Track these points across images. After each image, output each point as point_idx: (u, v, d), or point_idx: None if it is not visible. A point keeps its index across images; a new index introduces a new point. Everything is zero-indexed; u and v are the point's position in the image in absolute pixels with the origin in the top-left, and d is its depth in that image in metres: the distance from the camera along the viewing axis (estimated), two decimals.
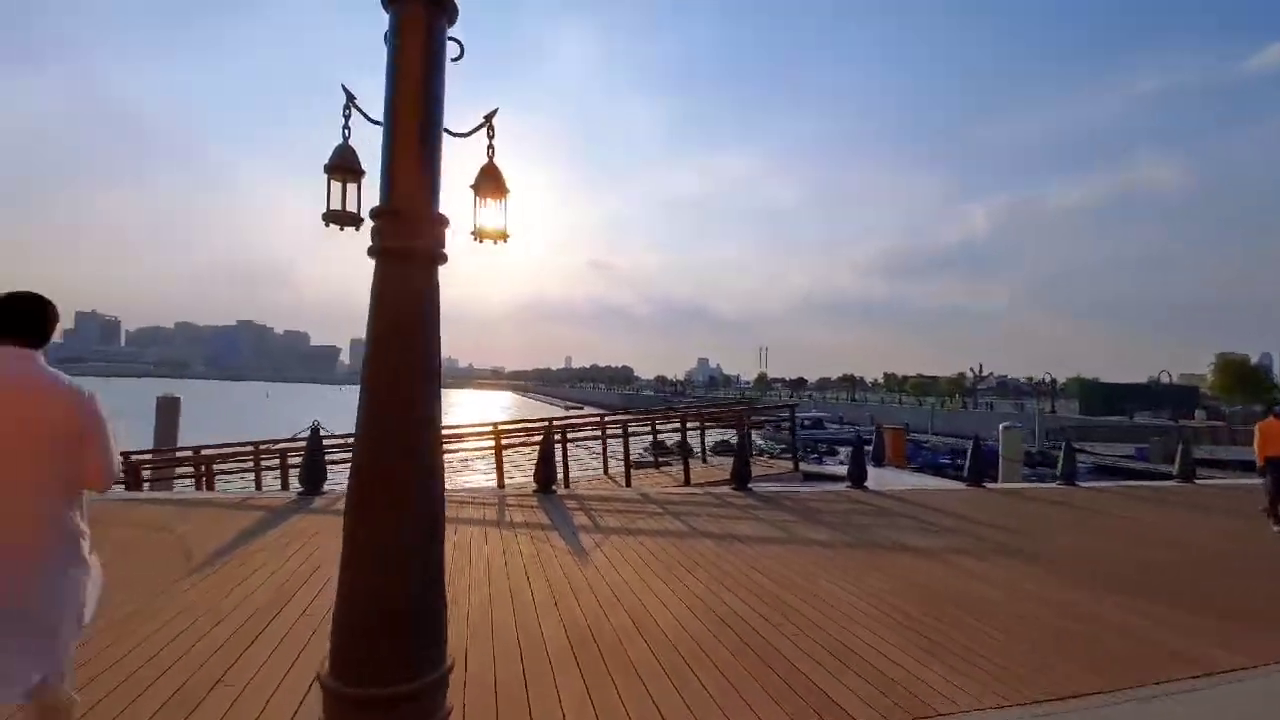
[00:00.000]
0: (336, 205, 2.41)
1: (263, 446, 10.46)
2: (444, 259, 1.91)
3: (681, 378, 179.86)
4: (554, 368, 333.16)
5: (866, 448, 10.37)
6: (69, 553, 1.90)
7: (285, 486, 9.58)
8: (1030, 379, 66.55)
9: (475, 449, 11.10)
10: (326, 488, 7.71)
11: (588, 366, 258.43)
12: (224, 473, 9.82)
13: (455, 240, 1.99)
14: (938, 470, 18.08)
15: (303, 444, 8.34)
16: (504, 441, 10.16)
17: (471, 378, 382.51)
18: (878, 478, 10.42)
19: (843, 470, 11.49)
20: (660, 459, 13.82)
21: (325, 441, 7.98)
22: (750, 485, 8.79)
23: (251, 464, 10.24)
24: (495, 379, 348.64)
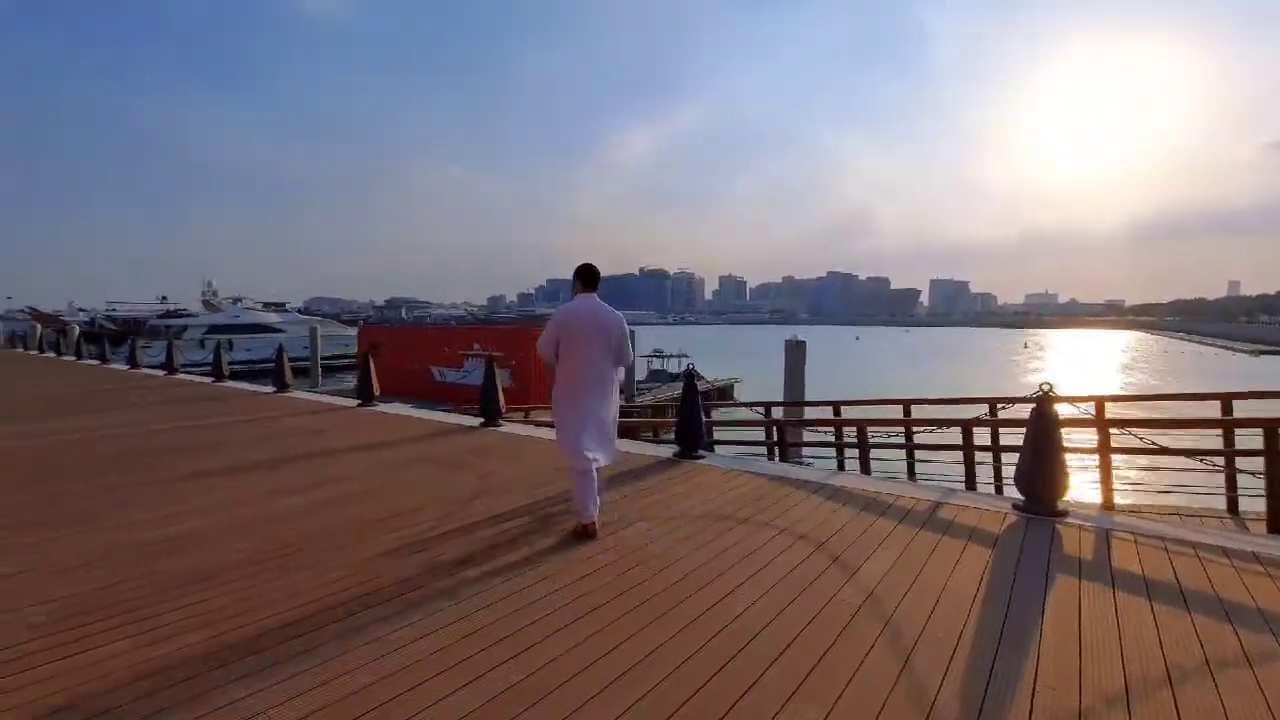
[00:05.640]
0: None
1: (912, 407, 7.74)
2: None
3: None
4: (1209, 298, 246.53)
5: None
6: (615, 390, 4.15)
7: (970, 485, 6.50)
8: None
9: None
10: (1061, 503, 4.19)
11: (1271, 293, 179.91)
12: (877, 445, 7.41)
13: None
14: None
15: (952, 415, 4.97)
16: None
17: (1074, 315, 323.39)
18: None
19: None
20: None
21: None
22: None
23: (902, 436, 7.59)
24: (1112, 315, 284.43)
